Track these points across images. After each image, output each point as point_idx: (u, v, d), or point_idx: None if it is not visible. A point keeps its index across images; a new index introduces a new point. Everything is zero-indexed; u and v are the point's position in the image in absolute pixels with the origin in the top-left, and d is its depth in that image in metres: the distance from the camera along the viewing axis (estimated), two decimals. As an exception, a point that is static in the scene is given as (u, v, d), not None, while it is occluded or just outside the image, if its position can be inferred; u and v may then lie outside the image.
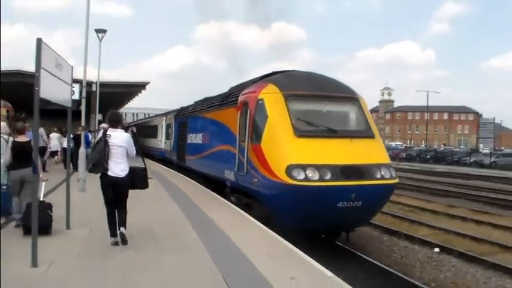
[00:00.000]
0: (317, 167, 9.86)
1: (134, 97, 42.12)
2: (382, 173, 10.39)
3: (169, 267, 6.38)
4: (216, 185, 15.34)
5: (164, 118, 29.79)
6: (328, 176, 9.81)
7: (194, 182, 17.86)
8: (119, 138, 7.36)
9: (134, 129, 12.54)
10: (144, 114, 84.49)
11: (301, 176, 9.74)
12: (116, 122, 7.67)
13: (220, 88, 21.75)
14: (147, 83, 34.70)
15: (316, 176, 9.76)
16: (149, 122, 39.40)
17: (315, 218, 10.17)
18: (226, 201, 12.90)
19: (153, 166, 24.21)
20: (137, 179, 7.70)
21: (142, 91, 36.78)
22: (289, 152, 10.27)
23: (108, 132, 7.29)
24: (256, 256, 6.87)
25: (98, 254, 6.98)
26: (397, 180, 10.72)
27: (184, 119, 22.15)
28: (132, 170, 7.56)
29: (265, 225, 9.65)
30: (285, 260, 6.86)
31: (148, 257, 6.85)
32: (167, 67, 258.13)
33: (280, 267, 6.44)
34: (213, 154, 15.14)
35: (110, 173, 7.19)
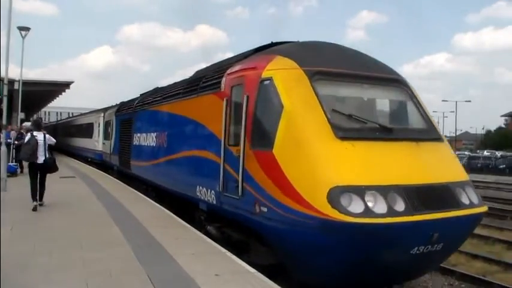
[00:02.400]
0: (381, 190, 5.82)
1: (58, 96, 41.04)
2: (469, 196, 6.52)
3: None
4: (180, 204, 10.92)
5: (102, 115, 24.64)
6: (402, 206, 5.79)
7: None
8: (41, 138, 10.90)
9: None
10: (68, 113, 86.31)
11: (358, 206, 5.68)
12: (39, 126, 11.61)
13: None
14: (71, 82, 33.62)
15: (383, 207, 5.71)
16: (82, 120, 33.59)
17: (370, 271, 6.14)
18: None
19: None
20: (51, 166, 11.16)
21: (67, 90, 35.92)
22: (332, 165, 6.15)
23: (34, 134, 10.90)
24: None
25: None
26: (486, 208, 6.84)
27: (128, 115, 17.37)
28: (47, 159, 10.92)
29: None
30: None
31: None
32: (92, 67, 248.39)
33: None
34: (176, 162, 10.70)
35: (36, 161, 10.77)
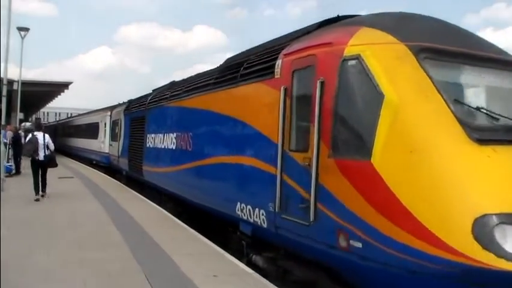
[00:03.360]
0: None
1: (57, 96, 41.45)
2: None
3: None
4: (207, 220, 8.90)
5: (108, 113, 22.57)
6: None
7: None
8: (41, 137, 12.32)
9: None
10: (67, 114, 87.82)
11: None
12: (40, 127, 13.54)
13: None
14: (70, 83, 33.88)
15: None
16: (85, 119, 31.46)
17: None
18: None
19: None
20: (51, 161, 12.63)
21: (65, 91, 36.07)
22: (473, 182, 4.10)
23: (35, 133, 12.45)
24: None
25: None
26: None
27: (139, 113, 15.30)
28: (47, 156, 12.38)
29: None
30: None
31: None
32: (90, 68, 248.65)
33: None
34: (205, 169, 8.63)
35: (37, 158, 12.18)
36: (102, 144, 22.89)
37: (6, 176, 15.41)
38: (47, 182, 12.85)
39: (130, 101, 18.42)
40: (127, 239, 7.86)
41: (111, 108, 22.70)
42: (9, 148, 17.79)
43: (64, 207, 11.14)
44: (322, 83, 5.35)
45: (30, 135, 12.64)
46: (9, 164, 17.99)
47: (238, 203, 7.15)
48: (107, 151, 21.88)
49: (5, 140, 16.81)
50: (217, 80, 8.56)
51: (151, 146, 13.10)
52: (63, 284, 5.54)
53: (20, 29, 23.87)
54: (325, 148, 5.21)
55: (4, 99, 15.61)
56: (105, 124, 22.89)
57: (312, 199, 5.27)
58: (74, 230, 8.54)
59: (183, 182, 9.98)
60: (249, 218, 6.85)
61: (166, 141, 11.38)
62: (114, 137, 20.26)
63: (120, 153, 18.37)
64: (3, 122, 16.49)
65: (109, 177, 19.63)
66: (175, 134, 10.73)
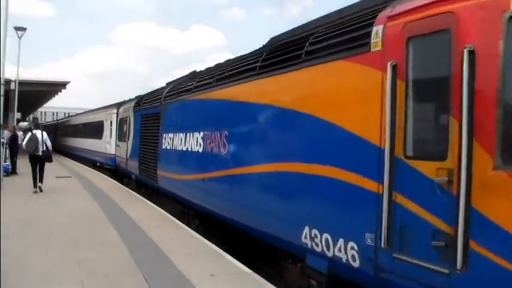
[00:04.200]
0: None
1: (54, 96, 41.39)
2: None
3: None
4: (252, 243, 6.99)
5: (114, 111, 20.62)
6: None
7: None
8: (40, 135, 13.65)
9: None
10: (64, 113, 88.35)
11: None
12: (38, 126, 14.77)
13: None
14: (68, 82, 33.84)
15: None
16: (89, 118, 29.39)
17: None
18: None
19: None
20: (47, 157, 13.87)
21: (63, 90, 35.98)
22: None
23: (34, 132, 13.70)
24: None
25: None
26: None
27: (153, 109, 13.34)
28: (44, 151, 13.64)
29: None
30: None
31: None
32: (88, 67, 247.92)
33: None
34: (252, 180, 6.68)
35: (36, 153, 13.47)
36: (108, 145, 20.92)
37: (4, 176, 15.32)
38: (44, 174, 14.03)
39: (141, 97, 16.44)
40: (125, 238, 7.79)
41: (118, 105, 20.74)
42: (6, 148, 17.50)
43: (61, 207, 11.29)
44: (470, 53, 3.40)
45: (30, 134, 13.83)
46: (7, 163, 17.67)
47: (306, 229, 5.20)
48: (113, 152, 19.92)
49: (3, 140, 16.38)
50: (265, 63, 6.60)
51: (168, 147, 11.15)
52: (60, 285, 5.49)
53: (17, 28, 23.92)
54: (485, 154, 3.28)
55: (2, 99, 14.97)
56: (110, 123, 20.93)
57: (460, 234, 3.33)
58: (71, 229, 8.49)
59: (214, 193, 8.02)
60: (324, 250, 4.91)
61: (190, 141, 9.43)
62: (121, 136, 18.31)
63: (128, 155, 16.42)
64: (1, 122, 16.05)
65: (111, 179, 18.89)
66: (202, 133, 8.77)
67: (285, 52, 6.09)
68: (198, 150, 8.93)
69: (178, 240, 7.86)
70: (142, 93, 18.09)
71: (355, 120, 4.58)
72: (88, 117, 29.49)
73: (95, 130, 25.12)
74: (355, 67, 4.65)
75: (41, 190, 13.57)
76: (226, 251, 7.27)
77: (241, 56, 8.19)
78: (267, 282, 5.71)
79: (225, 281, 5.71)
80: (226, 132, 7.56)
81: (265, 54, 6.77)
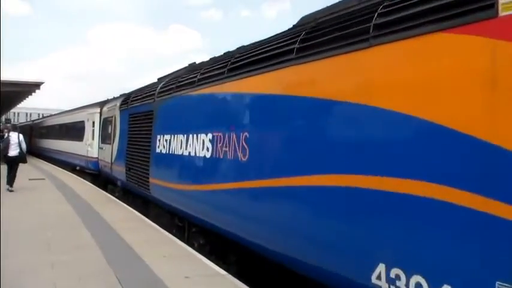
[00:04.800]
0: None
1: (28, 97, 38.31)
2: None
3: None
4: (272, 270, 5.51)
5: (97, 110, 18.84)
6: None
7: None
8: (15, 136, 14.35)
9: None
10: (38, 114, 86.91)
11: None
12: (15, 128, 16.30)
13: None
14: (42, 83, 30.81)
15: None
16: (68, 118, 27.28)
17: None
18: None
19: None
20: (22, 158, 14.42)
21: (37, 91, 33.06)
22: None
23: (10, 134, 14.68)
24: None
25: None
26: None
27: (144, 107, 11.72)
28: (18, 153, 14.24)
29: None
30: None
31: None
32: (64, 68, 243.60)
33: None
34: (287, 194, 5.17)
35: (9, 154, 14.08)
36: (89, 147, 19.10)
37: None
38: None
39: (129, 94, 14.77)
40: (98, 241, 7.71)
41: (101, 103, 18.96)
42: None
43: (35, 209, 11.16)
44: None
45: (6, 135, 15.19)
46: None
47: (381, 266, 3.73)
48: (95, 156, 18.15)
49: None
50: (306, 45, 5.10)
51: (164, 151, 9.57)
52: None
53: (-12, 28, 22.20)
54: None
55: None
56: (93, 123, 19.13)
57: None
58: (44, 232, 8.34)
59: (229, 209, 6.48)
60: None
61: (194, 144, 7.88)
62: (105, 138, 16.57)
63: (114, 159, 14.73)
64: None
65: (84, 180, 18.51)
66: (210, 134, 7.23)
67: (339, 28, 4.61)
68: (204, 156, 7.38)
69: (152, 243, 7.81)
70: (117, 95, 16.79)
71: (471, 116, 3.13)
72: (68, 117, 27.47)
73: (75, 131, 23.22)
74: (468, 41, 3.20)
75: (11, 191, 13.91)
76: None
77: (263, 41, 6.66)
78: (242, 284, 5.64)
79: (199, 283, 5.67)
80: (246, 133, 6.04)
81: (304, 33, 5.27)
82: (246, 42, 6.64)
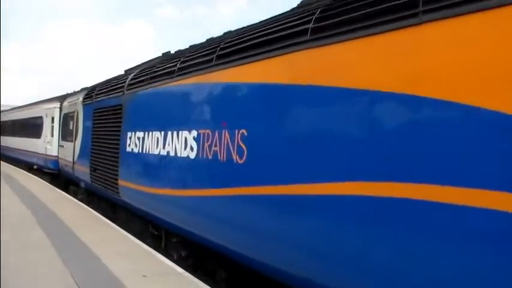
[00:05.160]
0: None
1: None
2: None
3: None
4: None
5: (57, 105, 17.38)
6: None
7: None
8: None
9: None
10: None
11: None
12: None
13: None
14: None
15: None
16: (23, 113, 25.40)
17: None
18: None
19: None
20: None
21: None
22: None
23: None
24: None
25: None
26: None
27: (112, 101, 10.56)
28: None
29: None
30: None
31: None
32: (11, 64, 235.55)
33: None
34: (311, 205, 4.27)
35: None
36: (48, 145, 17.63)
37: None
38: None
39: (93, 87, 13.49)
40: (53, 240, 7.53)
41: (61, 98, 17.49)
42: None
43: None
44: None
45: None
46: None
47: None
48: (54, 154, 16.72)
49: None
50: (326, 24, 4.21)
51: (136, 150, 8.49)
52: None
53: None
54: None
55: None
56: (52, 119, 17.66)
57: None
58: None
59: (221, 219, 5.52)
60: None
61: (174, 143, 6.87)
62: (66, 135, 15.20)
63: (76, 158, 13.44)
64: None
65: (38, 178, 17.92)
66: (194, 131, 6.25)
67: (372, 3, 3.73)
68: (188, 156, 6.39)
69: (109, 241, 7.67)
70: (70, 91, 15.48)
71: None
72: (23, 112, 25.59)
73: (32, 127, 21.52)
74: None
75: None
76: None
77: (258, 23, 5.72)
78: (200, 281, 5.61)
79: (157, 281, 5.59)
80: (243, 131, 5.10)
81: (319, 11, 4.37)
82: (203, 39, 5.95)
